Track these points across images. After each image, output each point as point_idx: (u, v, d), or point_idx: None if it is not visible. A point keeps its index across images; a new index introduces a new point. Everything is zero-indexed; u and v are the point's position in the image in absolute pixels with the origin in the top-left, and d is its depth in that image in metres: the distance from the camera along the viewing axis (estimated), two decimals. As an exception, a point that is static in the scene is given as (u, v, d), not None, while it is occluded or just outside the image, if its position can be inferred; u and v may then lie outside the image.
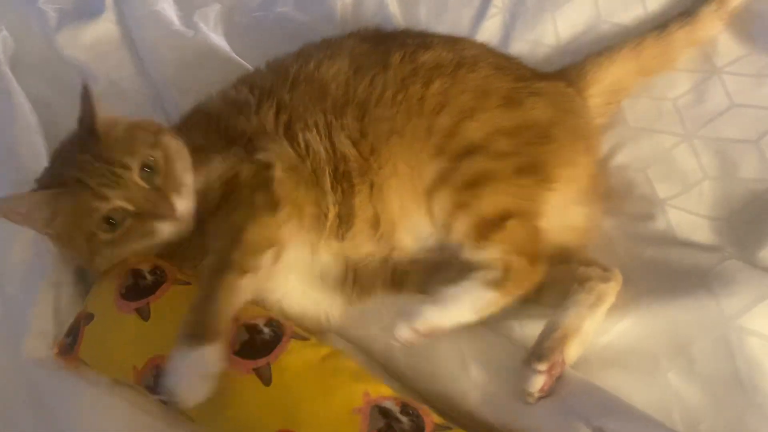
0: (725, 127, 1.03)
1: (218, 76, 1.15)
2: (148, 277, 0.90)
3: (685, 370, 0.83)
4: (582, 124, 1.00)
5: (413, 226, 0.94)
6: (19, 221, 0.89)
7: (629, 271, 0.90)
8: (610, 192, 1.02)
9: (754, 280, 0.85)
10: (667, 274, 0.90)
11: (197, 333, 0.79)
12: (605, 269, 0.89)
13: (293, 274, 0.94)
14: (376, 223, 0.95)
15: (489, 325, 0.91)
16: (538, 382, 0.81)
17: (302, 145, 0.95)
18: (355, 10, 1.43)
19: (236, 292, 0.84)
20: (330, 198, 0.94)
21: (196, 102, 1.07)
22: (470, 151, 0.91)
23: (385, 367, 0.92)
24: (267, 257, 0.87)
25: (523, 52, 1.21)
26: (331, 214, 0.94)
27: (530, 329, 0.88)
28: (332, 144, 0.95)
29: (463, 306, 0.85)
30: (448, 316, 0.84)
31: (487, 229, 0.87)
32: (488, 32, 1.29)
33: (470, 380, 0.86)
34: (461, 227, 0.89)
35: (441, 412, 0.83)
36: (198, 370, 0.78)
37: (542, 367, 0.81)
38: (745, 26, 1.10)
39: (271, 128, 0.96)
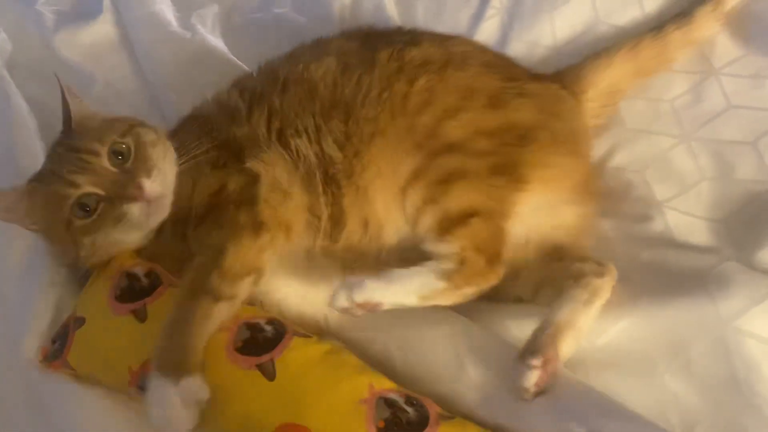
0: (723, 129, 1.03)
1: (216, 77, 1.15)
2: (144, 279, 0.90)
3: (682, 372, 0.83)
4: (569, 126, 0.99)
5: (396, 226, 0.95)
6: (6, 219, 0.92)
7: (627, 272, 0.90)
8: (608, 193, 1.02)
9: (752, 282, 0.85)
10: (665, 275, 0.90)
11: (177, 361, 0.80)
12: (600, 264, 0.89)
13: (290, 277, 0.95)
14: (365, 223, 0.95)
15: (486, 325, 0.92)
16: (532, 378, 0.81)
17: (294, 151, 0.95)
18: (353, 12, 1.43)
19: (211, 318, 0.84)
20: (322, 201, 0.94)
21: (192, 105, 1.07)
22: (448, 149, 0.90)
23: (383, 369, 0.92)
24: (245, 285, 0.88)
25: (520, 53, 1.21)
26: (324, 217, 0.94)
27: (527, 329, 0.88)
28: (321, 148, 0.95)
29: (408, 288, 0.84)
30: (390, 295, 0.83)
31: (451, 224, 0.87)
32: (486, 33, 1.30)
33: (467, 381, 0.86)
34: (427, 221, 0.89)
35: (439, 413, 0.83)
36: (188, 400, 0.78)
37: (536, 362, 0.81)
38: (742, 27, 1.10)
39: (263, 135, 0.97)
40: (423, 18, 1.36)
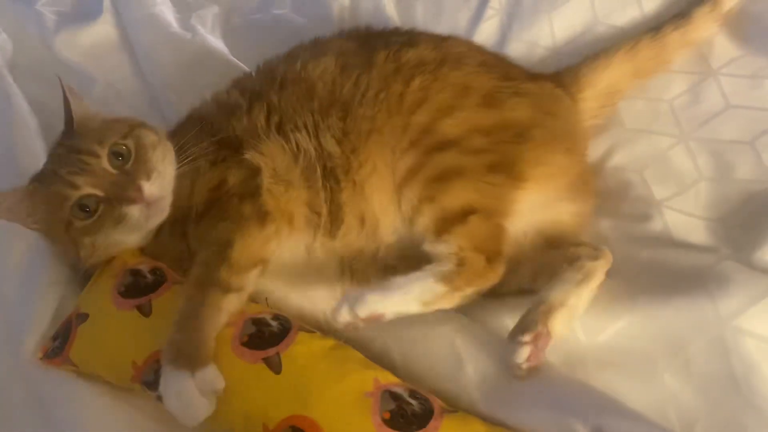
0: (721, 129, 1.03)
1: (216, 78, 1.15)
2: (149, 276, 0.91)
3: (681, 371, 0.83)
4: (565, 125, 0.99)
5: (392, 223, 0.95)
6: (9, 218, 0.92)
7: (626, 272, 0.91)
8: (607, 193, 1.02)
9: (751, 281, 0.85)
10: (664, 275, 0.90)
11: (191, 354, 0.80)
12: (595, 248, 0.90)
13: (291, 274, 0.95)
14: (362, 220, 0.95)
15: (484, 322, 0.92)
16: (523, 353, 0.82)
17: (293, 144, 0.96)
18: (352, 13, 1.44)
19: (221, 310, 0.85)
20: (322, 196, 0.95)
21: (192, 105, 1.07)
22: (443, 146, 0.91)
23: (382, 367, 0.92)
24: (252, 276, 0.89)
25: (519, 53, 1.21)
26: (324, 212, 0.95)
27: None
28: (319, 143, 0.96)
29: (409, 296, 0.84)
30: (391, 305, 0.84)
31: (449, 223, 0.87)
32: (485, 34, 1.30)
33: (466, 379, 0.86)
34: (424, 220, 0.89)
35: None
36: (205, 389, 0.79)
37: (526, 338, 0.82)
38: (740, 28, 1.11)
39: (262, 127, 0.97)
40: (422, 19, 1.37)
